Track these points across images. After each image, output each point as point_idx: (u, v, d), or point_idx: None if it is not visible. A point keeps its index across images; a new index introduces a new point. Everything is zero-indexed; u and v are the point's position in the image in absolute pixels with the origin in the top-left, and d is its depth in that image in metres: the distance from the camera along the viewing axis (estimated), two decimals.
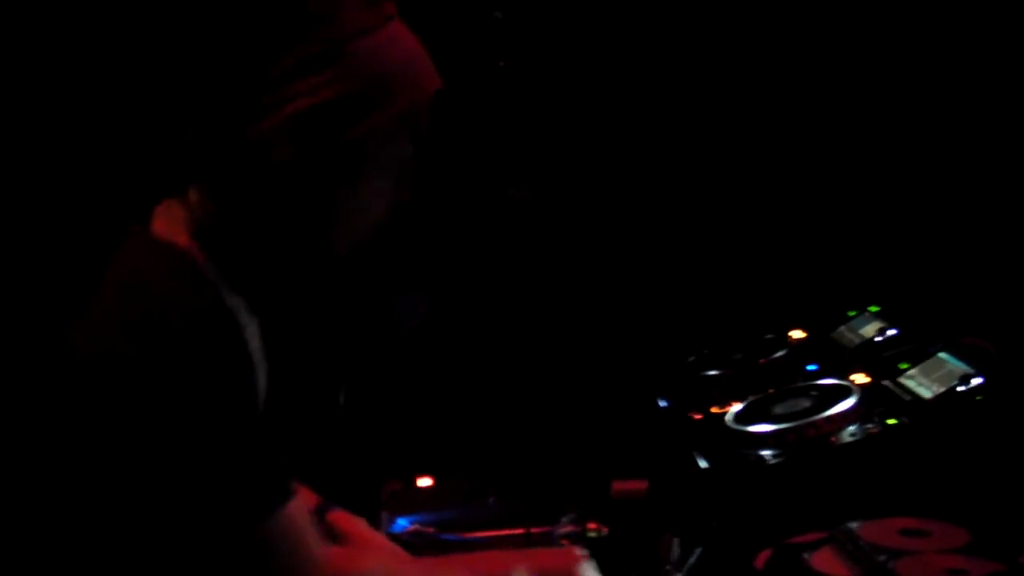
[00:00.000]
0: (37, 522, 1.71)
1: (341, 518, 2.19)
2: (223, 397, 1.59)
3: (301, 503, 1.69)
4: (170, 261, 1.70)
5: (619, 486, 2.60)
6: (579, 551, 2.05)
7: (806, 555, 2.02)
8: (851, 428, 2.29)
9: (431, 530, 2.42)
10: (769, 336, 2.87)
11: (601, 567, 2.16)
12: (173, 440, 1.57)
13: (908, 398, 2.34)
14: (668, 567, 2.27)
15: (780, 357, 2.73)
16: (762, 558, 2.09)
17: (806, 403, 2.40)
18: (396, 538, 2.38)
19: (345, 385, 2.13)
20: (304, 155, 1.69)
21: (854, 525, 2.03)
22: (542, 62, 3.37)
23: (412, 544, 2.33)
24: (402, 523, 2.46)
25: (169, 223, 1.76)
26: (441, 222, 3.37)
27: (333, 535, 2.14)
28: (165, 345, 1.58)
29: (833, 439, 2.27)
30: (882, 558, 1.92)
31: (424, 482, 2.69)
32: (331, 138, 1.69)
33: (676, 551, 2.28)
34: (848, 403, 2.32)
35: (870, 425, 2.28)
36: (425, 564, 2.04)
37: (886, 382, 2.44)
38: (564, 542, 2.37)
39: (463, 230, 3.35)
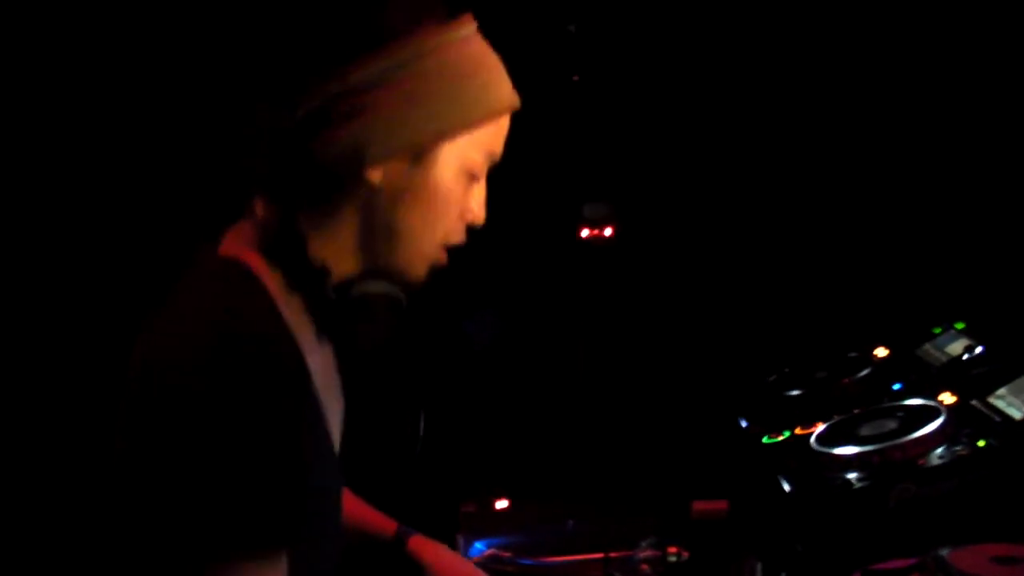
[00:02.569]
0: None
1: (421, 544, 2.18)
2: (258, 421, 1.51)
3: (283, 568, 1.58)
4: (231, 276, 1.66)
5: (699, 507, 2.54)
6: None
7: None
8: (939, 450, 2.22)
9: (508, 554, 2.38)
10: (852, 354, 2.80)
11: None
12: (197, 451, 1.50)
13: (998, 419, 2.27)
14: None
15: (864, 376, 2.67)
16: None
17: (892, 424, 2.34)
18: (474, 563, 2.36)
19: (424, 409, 2.09)
20: (370, 166, 1.67)
21: (944, 552, 1.97)
22: (617, 76, 3.33)
23: (489, 569, 2.31)
24: (479, 547, 2.43)
25: (237, 240, 1.73)
26: (514, 239, 3.34)
27: (412, 562, 2.13)
28: (212, 361, 1.52)
29: (921, 461, 2.20)
30: None
31: (501, 504, 2.66)
32: (397, 150, 1.68)
33: None
34: (936, 424, 2.26)
35: (959, 447, 2.21)
36: None
37: (975, 402, 2.37)
38: (644, 567, 2.33)
39: (536, 248, 3.32)
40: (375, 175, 1.68)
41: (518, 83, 1.79)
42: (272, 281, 1.68)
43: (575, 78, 3.28)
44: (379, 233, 1.72)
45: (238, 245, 1.72)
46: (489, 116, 1.74)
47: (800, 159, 3.27)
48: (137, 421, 1.57)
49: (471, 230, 1.80)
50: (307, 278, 1.71)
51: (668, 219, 3.35)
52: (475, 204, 1.78)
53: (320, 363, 1.76)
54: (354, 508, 2.19)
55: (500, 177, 1.83)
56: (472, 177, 1.76)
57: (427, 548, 2.19)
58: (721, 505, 2.53)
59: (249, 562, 1.52)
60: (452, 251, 1.80)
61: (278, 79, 1.69)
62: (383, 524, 2.20)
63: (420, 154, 1.70)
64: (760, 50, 3.28)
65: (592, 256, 3.26)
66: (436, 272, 1.80)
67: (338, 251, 1.72)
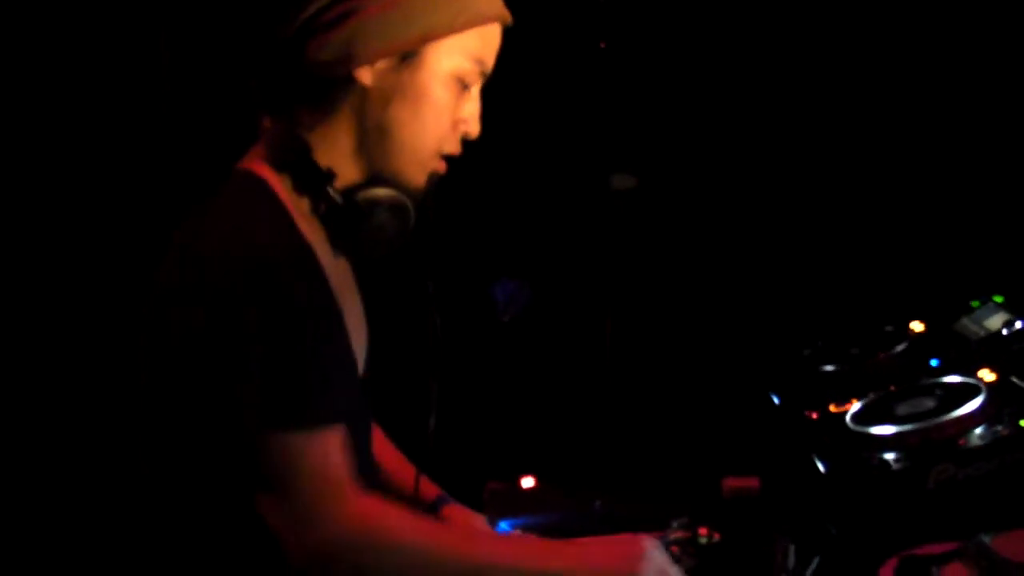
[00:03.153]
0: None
1: (457, 513, 2.17)
2: (286, 311, 1.65)
3: (341, 445, 1.70)
4: (243, 187, 1.78)
5: (731, 484, 2.48)
6: (645, 541, 1.84)
7: (935, 569, 1.89)
8: (979, 430, 2.14)
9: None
10: (888, 328, 2.73)
11: (714, 574, 2.05)
12: (229, 341, 1.64)
13: None
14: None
15: (900, 351, 2.59)
16: (886, 570, 1.96)
17: (931, 403, 2.26)
18: None
19: (440, 381, 2.05)
20: (359, 66, 1.75)
21: (986, 538, 1.89)
22: (645, 43, 3.26)
23: None
24: (504, 527, 2.37)
25: (253, 156, 1.83)
26: (543, 209, 3.27)
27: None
28: (230, 261, 1.66)
29: (961, 442, 2.13)
30: None
31: (527, 482, 2.60)
32: (384, 49, 1.75)
33: (792, 559, 2.17)
34: (976, 403, 2.18)
35: (1000, 427, 2.13)
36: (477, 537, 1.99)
37: (1015, 379, 2.29)
38: (674, 549, 2.26)
39: (565, 219, 3.25)
40: (365, 75, 1.76)
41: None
42: (283, 190, 1.79)
43: (602, 45, 3.21)
44: (373, 135, 1.80)
45: (253, 160, 1.82)
46: (473, 22, 1.79)
47: (837, 127, 3.19)
48: (169, 320, 1.69)
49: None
50: (313, 184, 1.80)
51: (698, 190, 3.28)
52: (468, 114, 1.84)
53: (335, 269, 1.84)
54: (393, 465, 2.18)
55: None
56: (463, 85, 1.81)
57: (460, 518, 2.16)
58: (753, 482, 2.47)
59: (305, 431, 1.66)
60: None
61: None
62: (423, 489, 2.16)
63: (408, 55, 1.77)
64: (792, 15, 3.20)
65: (619, 227, 3.20)
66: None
67: (339, 156, 1.81)
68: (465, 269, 3.13)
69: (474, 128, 1.85)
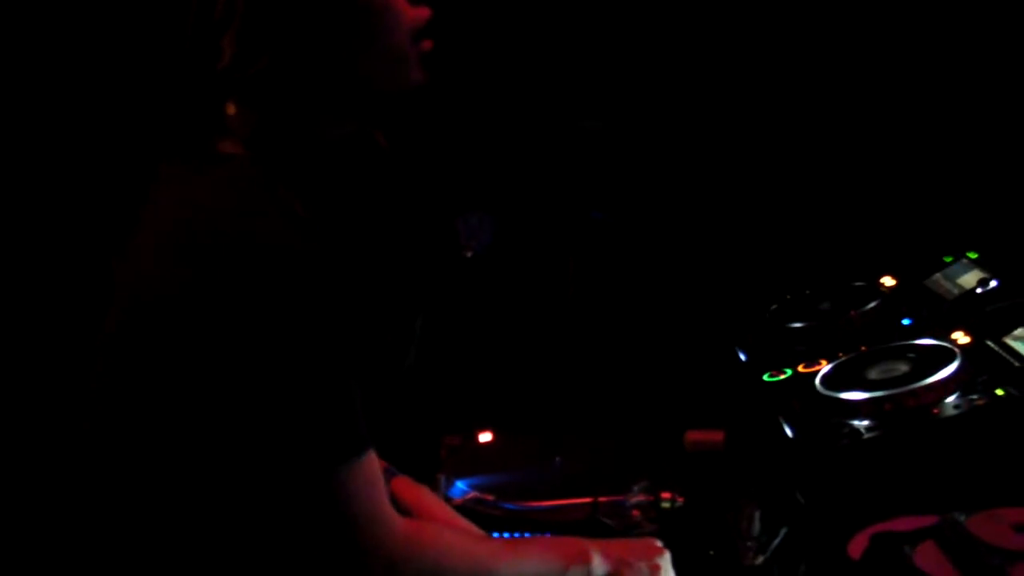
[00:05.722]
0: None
1: (403, 486, 2.06)
2: (305, 325, 1.50)
3: (375, 459, 1.60)
4: (242, 173, 1.62)
5: (693, 437, 2.42)
6: (658, 544, 1.86)
7: (907, 548, 1.83)
8: (952, 399, 2.08)
9: (491, 498, 2.26)
10: (858, 283, 2.66)
11: (676, 540, 1.99)
12: (248, 372, 1.49)
13: (1016, 363, 2.12)
14: (749, 543, 2.10)
15: (871, 309, 2.52)
16: (857, 545, 1.90)
17: (904, 367, 2.19)
18: (455, 505, 2.24)
19: (416, 325, 1.98)
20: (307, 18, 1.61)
21: (961, 517, 1.83)
22: None
23: (473, 512, 2.19)
24: (461, 487, 2.31)
25: (225, 142, 1.67)
26: (509, 151, 3.17)
27: (395, 504, 2.02)
28: (240, 264, 1.49)
29: (935, 410, 2.06)
30: (995, 560, 1.72)
31: (485, 437, 2.53)
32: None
33: (758, 525, 2.11)
34: (951, 368, 2.11)
35: (975, 396, 2.06)
36: (499, 544, 1.88)
37: (990, 343, 2.22)
38: (635, 513, 2.20)
39: (532, 162, 3.15)
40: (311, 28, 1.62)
41: None
42: (267, 173, 1.65)
43: None
44: (343, 80, 1.67)
45: (230, 146, 1.67)
46: None
47: (808, 77, 3.10)
48: (170, 338, 1.52)
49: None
50: (294, 164, 1.67)
51: (666, 134, 3.18)
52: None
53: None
54: None
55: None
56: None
57: (407, 488, 2.06)
58: (717, 436, 2.41)
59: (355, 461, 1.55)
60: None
61: None
62: None
63: None
64: None
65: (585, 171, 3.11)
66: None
67: (306, 100, 1.67)
68: (429, 202, 3.04)
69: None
